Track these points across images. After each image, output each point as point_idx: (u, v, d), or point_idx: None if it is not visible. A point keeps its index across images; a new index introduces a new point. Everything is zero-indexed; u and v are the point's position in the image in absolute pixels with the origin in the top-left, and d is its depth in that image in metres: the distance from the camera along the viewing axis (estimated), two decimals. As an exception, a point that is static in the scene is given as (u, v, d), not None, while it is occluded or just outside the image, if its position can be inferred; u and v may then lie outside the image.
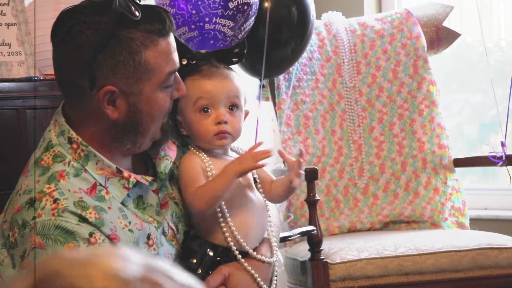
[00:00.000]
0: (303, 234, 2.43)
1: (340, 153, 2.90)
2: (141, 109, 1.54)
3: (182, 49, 1.65)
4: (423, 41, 2.96)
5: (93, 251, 0.71)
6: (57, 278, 0.66)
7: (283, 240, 2.48)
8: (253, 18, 2.49)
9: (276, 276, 1.73)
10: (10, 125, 1.91)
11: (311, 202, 2.47)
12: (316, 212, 2.47)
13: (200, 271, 1.62)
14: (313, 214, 2.45)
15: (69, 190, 1.50)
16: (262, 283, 1.65)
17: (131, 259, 0.68)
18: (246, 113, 1.73)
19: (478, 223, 2.99)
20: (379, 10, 3.48)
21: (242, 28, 2.45)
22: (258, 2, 2.51)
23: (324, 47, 2.96)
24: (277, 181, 1.72)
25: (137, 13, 1.50)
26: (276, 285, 1.72)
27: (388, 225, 2.85)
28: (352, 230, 2.82)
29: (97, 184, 1.54)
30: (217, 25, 2.38)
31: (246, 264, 1.64)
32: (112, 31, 1.49)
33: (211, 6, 2.36)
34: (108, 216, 1.52)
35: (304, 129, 2.87)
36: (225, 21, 2.39)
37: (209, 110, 1.65)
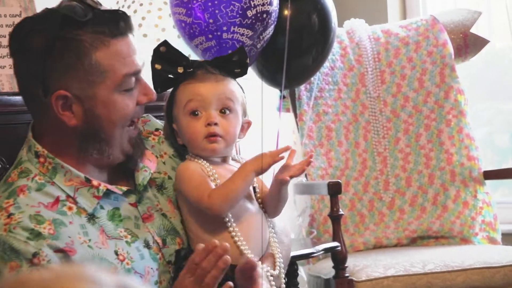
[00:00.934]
0: (326, 250, 2.40)
1: (364, 165, 2.90)
2: (99, 114, 1.54)
3: (178, 56, 1.64)
4: (450, 48, 2.96)
5: (60, 272, 0.68)
6: None
7: (306, 257, 2.46)
8: (272, 26, 2.51)
9: None
10: (24, 140, 1.89)
11: (335, 217, 2.45)
12: (340, 228, 2.45)
13: None
14: (337, 229, 2.44)
15: (27, 204, 1.51)
16: None
17: (101, 281, 0.65)
18: (249, 123, 1.70)
19: (511, 238, 2.98)
20: (404, 17, 3.48)
21: (261, 37, 2.47)
22: (277, 10, 2.52)
23: (346, 56, 2.97)
24: (269, 192, 1.67)
25: (84, 14, 1.51)
26: None
27: (416, 241, 2.83)
28: (378, 246, 2.81)
29: (60, 199, 1.54)
30: (235, 34, 2.40)
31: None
32: (57, 33, 1.50)
33: (229, 14, 2.37)
34: (67, 230, 1.51)
35: (327, 141, 2.87)
36: (244, 30, 2.40)
37: (200, 113, 1.63)
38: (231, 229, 1.60)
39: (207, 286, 1.50)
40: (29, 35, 1.52)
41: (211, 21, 2.37)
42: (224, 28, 2.38)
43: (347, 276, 2.41)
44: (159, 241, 1.62)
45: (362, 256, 2.62)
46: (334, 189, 2.45)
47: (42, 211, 1.51)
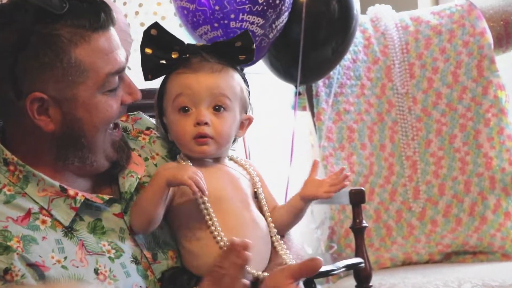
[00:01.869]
0: (348, 267, 2.24)
1: (391, 171, 2.88)
2: (80, 118, 1.50)
3: (170, 40, 1.61)
4: (489, 37, 2.94)
5: None
6: None
7: (325, 274, 2.37)
8: (286, 14, 2.49)
9: None
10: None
11: (358, 230, 2.39)
12: (364, 242, 2.40)
13: None
14: (360, 243, 2.39)
15: None
16: None
17: None
18: (250, 120, 1.67)
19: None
20: (436, 2, 3.48)
21: (273, 25, 2.45)
22: (291, -4, 2.57)
23: (370, 47, 2.94)
24: (282, 207, 1.66)
25: (61, 6, 1.47)
26: None
27: (450, 257, 2.80)
28: (407, 263, 2.79)
29: (32, 212, 1.51)
30: (244, 23, 2.38)
31: None
32: (31, 28, 1.46)
33: (237, 0, 2.37)
34: (38, 248, 1.48)
35: (348, 144, 2.85)
36: (254, 18, 2.39)
37: (190, 109, 1.59)
38: (218, 238, 1.57)
39: (226, 286, 1.52)
40: None
41: (217, 8, 2.36)
42: (232, 16, 2.37)
43: (372, 297, 2.41)
44: (149, 255, 1.59)
45: (389, 274, 2.61)
46: (357, 198, 2.41)
47: (10, 226, 1.47)
